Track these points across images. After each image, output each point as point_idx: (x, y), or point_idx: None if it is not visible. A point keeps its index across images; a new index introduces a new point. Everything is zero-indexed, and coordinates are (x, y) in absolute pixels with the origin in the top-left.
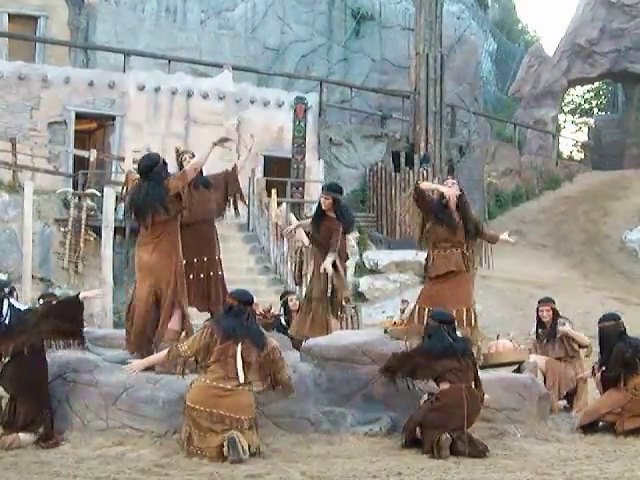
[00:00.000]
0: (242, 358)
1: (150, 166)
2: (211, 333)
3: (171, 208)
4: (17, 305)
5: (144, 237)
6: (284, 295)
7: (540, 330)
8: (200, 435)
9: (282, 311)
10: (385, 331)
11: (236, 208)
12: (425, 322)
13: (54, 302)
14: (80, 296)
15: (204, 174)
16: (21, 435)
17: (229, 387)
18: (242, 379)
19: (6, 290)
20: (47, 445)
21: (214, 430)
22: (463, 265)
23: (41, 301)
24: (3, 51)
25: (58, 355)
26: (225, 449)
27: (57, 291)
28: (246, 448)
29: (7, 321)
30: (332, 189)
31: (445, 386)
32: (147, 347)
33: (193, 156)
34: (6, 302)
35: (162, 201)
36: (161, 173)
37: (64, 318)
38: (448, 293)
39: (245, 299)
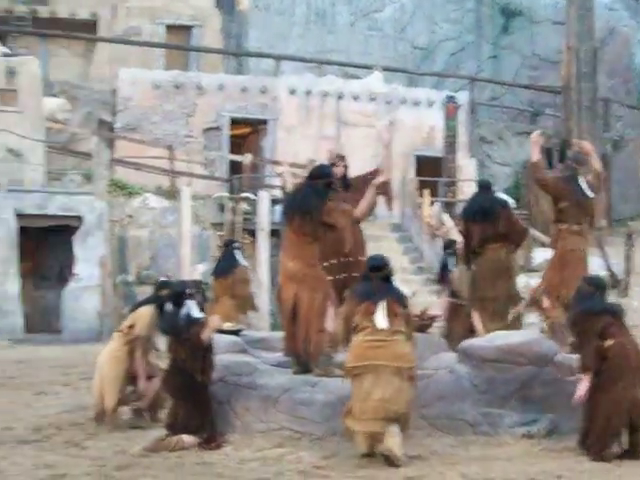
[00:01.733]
0: (387, 310)
1: (319, 176)
2: (351, 299)
3: (319, 230)
4: (194, 312)
5: (287, 241)
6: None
7: None
8: (362, 407)
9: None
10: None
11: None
12: (577, 289)
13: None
14: (203, 339)
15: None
16: (184, 437)
17: (382, 338)
18: (385, 325)
19: (188, 292)
20: (210, 447)
21: (375, 401)
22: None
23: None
24: (160, 61)
25: (219, 358)
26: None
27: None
28: (399, 454)
29: (182, 323)
30: (483, 186)
31: (610, 342)
32: (300, 349)
33: (345, 165)
34: (187, 305)
35: (315, 215)
36: (327, 188)
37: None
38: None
39: (376, 265)
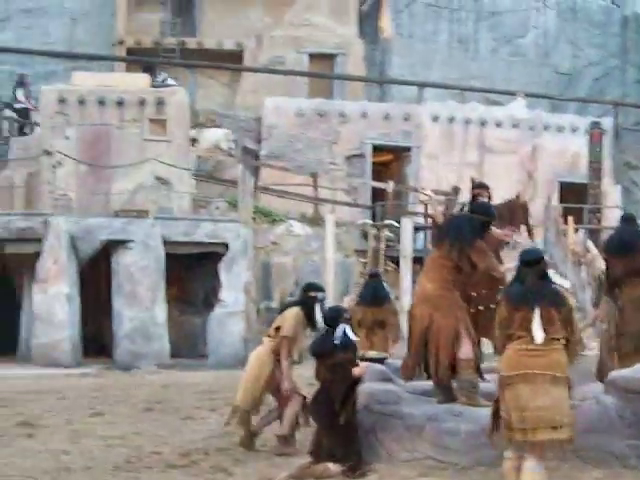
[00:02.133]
0: (541, 319)
1: (482, 213)
2: (505, 303)
3: (463, 262)
4: (350, 335)
5: (430, 263)
6: None
7: None
8: (520, 417)
9: None
10: None
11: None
12: None
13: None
14: (354, 374)
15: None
16: (330, 465)
17: (539, 347)
18: (541, 339)
19: (345, 316)
20: (354, 475)
21: (534, 409)
22: None
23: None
24: (304, 89)
25: (364, 386)
26: None
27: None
28: None
29: (338, 342)
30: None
31: None
32: (420, 374)
33: (489, 193)
34: (341, 327)
35: (464, 248)
36: (484, 227)
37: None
38: None
39: (529, 258)
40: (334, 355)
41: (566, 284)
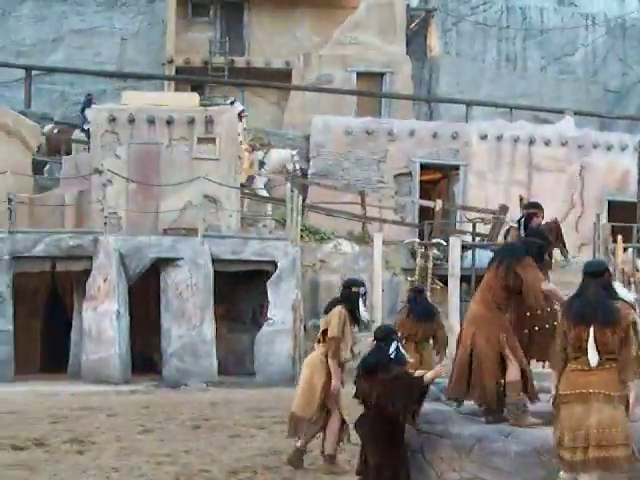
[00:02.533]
0: (595, 339)
1: (539, 237)
2: (564, 317)
3: (510, 278)
4: (403, 351)
5: (482, 284)
6: None
7: None
8: (572, 436)
9: None
10: None
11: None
12: None
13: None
14: (425, 380)
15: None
16: None
17: (593, 367)
18: (594, 362)
19: (397, 333)
20: None
21: (587, 428)
22: None
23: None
24: (352, 108)
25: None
26: None
27: None
28: None
29: (392, 357)
30: None
31: None
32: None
33: (543, 214)
34: (394, 344)
35: (511, 263)
36: (539, 250)
37: (405, 393)
38: None
39: (592, 270)
40: (390, 369)
41: (631, 296)
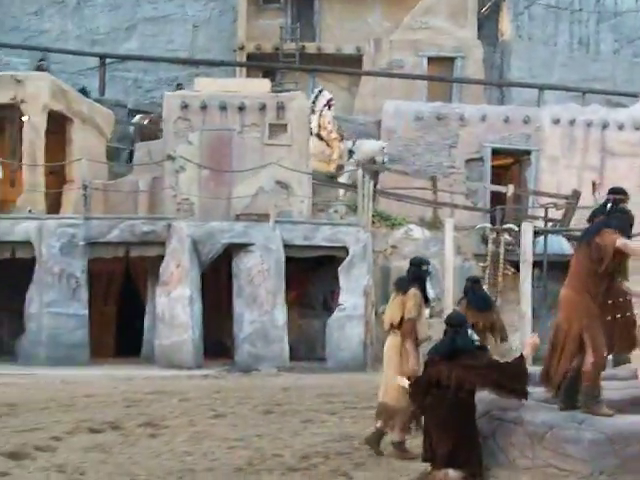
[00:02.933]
0: None
1: (620, 212)
2: None
3: (593, 251)
4: (472, 336)
5: (570, 268)
6: None
7: None
8: None
9: None
10: None
11: None
12: None
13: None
14: (524, 354)
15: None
16: (450, 472)
17: None
18: None
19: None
20: None
21: None
22: None
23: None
24: (423, 93)
25: (485, 393)
26: None
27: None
28: None
29: (469, 346)
30: None
31: None
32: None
33: (628, 199)
34: (470, 331)
35: (590, 237)
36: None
37: (509, 377)
38: None
39: None
40: (475, 354)
41: None
